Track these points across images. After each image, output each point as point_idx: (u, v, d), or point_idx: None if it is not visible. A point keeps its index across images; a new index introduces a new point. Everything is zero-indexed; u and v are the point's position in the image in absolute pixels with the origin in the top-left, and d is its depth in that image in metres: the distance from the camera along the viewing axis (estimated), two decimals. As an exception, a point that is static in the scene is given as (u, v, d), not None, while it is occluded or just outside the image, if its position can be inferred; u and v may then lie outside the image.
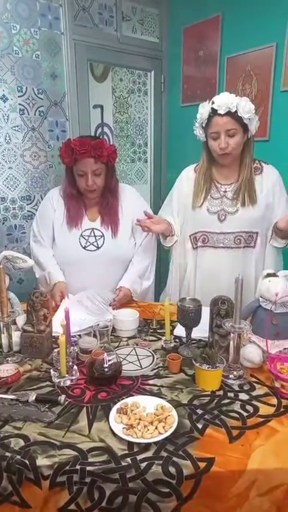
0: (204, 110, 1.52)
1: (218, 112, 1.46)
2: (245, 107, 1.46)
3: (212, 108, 1.48)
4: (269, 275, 1.19)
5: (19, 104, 2.27)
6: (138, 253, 1.73)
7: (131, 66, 2.89)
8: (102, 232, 1.67)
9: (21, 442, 0.85)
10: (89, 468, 0.79)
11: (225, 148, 1.50)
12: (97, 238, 1.66)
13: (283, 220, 1.51)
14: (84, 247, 1.65)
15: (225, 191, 1.61)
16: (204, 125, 1.54)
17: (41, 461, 0.81)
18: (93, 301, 1.51)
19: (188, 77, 2.81)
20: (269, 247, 1.64)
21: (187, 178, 1.70)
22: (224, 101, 1.46)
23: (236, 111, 1.45)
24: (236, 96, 1.48)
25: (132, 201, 1.76)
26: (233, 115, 1.46)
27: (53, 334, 1.28)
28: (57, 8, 2.33)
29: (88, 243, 1.66)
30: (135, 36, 2.81)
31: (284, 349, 1.12)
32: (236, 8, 2.39)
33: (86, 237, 1.66)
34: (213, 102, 1.48)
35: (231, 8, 2.42)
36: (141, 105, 3.05)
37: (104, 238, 1.66)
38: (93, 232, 1.67)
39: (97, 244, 1.66)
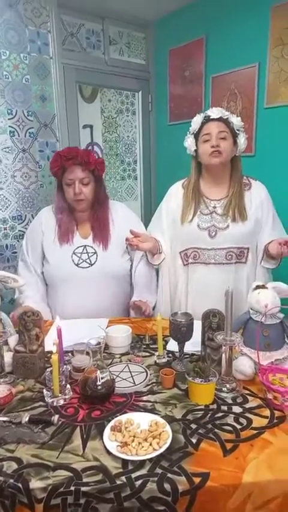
0: (197, 119, 1.62)
1: (211, 117, 1.57)
2: (236, 118, 1.59)
3: (205, 115, 1.58)
4: (258, 287, 1.21)
5: (9, 126, 2.31)
6: (141, 273, 1.74)
7: (119, 87, 2.97)
8: (94, 249, 1.68)
9: (14, 465, 0.84)
10: (83, 489, 0.78)
11: (216, 147, 1.54)
12: (90, 255, 1.67)
13: (273, 247, 1.53)
14: (77, 265, 1.66)
15: (214, 207, 1.64)
16: (196, 133, 1.61)
17: (35, 484, 0.79)
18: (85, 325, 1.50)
19: (174, 96, 2.89)
20: (259, 266, 1.66)
21: (175, 194, 1.73)
22: (218, 109, 1.58)
23: (227, 118, 1.57)
24: None
25: (124, 216, 1.77)
26: (224, 120, 1.57)
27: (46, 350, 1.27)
28: (46, 34, 2.40)
29: (81, 260, 1.66)
30: (123, 58, 2.89)
31: (276, 360, 1.13)
32: (219, 30, 2.48)
33: (79, 254, 1.67)
34: (206, 113, 1.59)
35: (214, 30, 2.52)
36: (130, 125, 3.12)
37: (96, 255, 1.67)
38: (86, 249, 1.68)
39: (90, 261, 1.66)
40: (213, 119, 1.56)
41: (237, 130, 1.58)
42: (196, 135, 1.62)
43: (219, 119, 1.56)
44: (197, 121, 1.61)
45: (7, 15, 2.22)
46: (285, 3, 2.09)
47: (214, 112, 1.57)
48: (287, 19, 2.09)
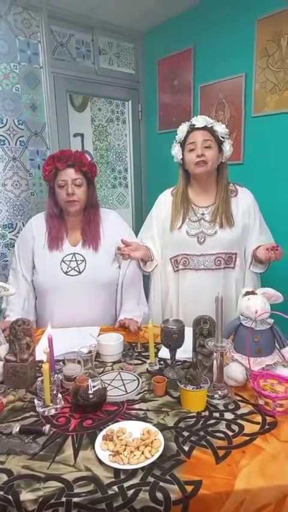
0: (182, 127, 1.64)
1: (196, 126, 1.59)
2: (220, 125, 1.60)
3: (191, 124, 1.60)
4: (248, 293, 1.22)
5: (0, 135, 2.31)
6: (128, 281, 1.72)
7: (109, 96, 3.00)
8: (83, 257, 1.67)
9: (4, 477, 0.83)
10: (74, 500, 0.77)
11: (201, 156, 1.56)
12: (78, 263, 1.66)
13: (261, 253, 1.54)
14: (66, 273, 1.64)
15: (202, 214, 1.66)
16: (182, 141, 1.63)
17: (25, 495, 0.78)
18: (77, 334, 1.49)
19: (164, 105, 2.93)
20: (248, 271, 1.67)
21: (164, 201, 1.75)
22: (202, 117, 1.60)
23: (212, 127, 1.59)
24: None
25: (115, 224, 1.76)
26: (209, 129, 1.59)
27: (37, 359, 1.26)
28: (36, 44, 2.42)
29: (69, 268, 1.65)
30: (112, 68, 2.92)
31: (266, 365, 1.13)
32: (207, 41, 2.53)
33: (68, 262, 1.66)
34: (191, 122, 1.61)
35: (202, 41, 2.56)
36: (120, 133, 3.14)
37: (85, 263, 1.66)
38: (75, 257, 1.67)
39: (78, 269, 1.65)
40: (197, 128, 1.59)
41: (222, 137, 1.61)
42: (182, 144, 1.64)
43: (204, 128, 1.58)
44: (182, 130, 1.64)
45: (-3, 26, 2.23)
46: (269, 16, 2.14)
47: (199, 121, 1.59)
48: (272, 31, 2.14)
